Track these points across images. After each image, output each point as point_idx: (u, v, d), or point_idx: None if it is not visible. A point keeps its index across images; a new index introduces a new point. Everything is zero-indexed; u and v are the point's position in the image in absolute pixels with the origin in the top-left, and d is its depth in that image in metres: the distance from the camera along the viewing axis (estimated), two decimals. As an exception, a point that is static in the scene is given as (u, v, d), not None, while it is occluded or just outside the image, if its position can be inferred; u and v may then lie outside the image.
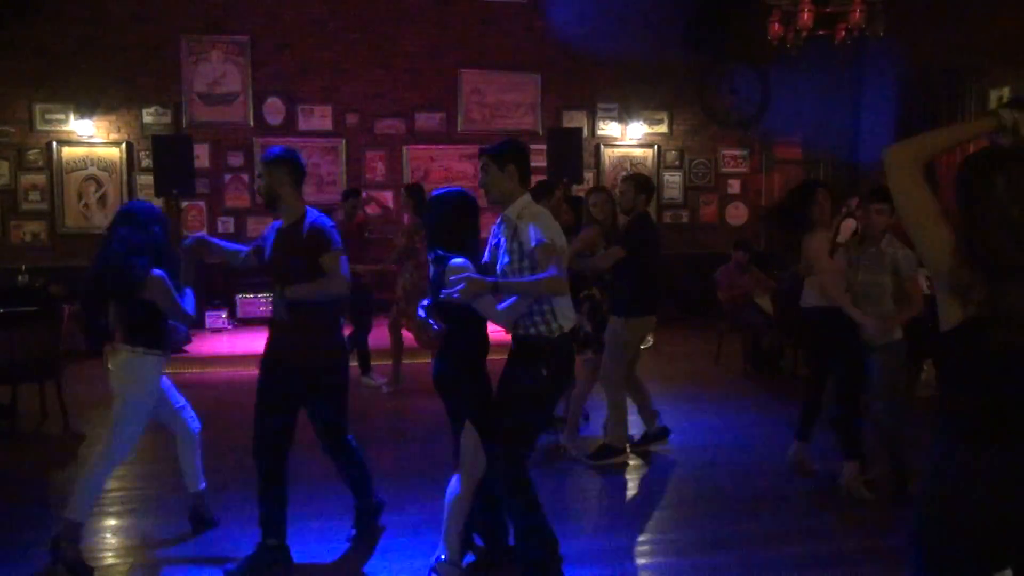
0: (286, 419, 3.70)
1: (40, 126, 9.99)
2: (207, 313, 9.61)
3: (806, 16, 7.33)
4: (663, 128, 11.62)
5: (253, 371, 3.96)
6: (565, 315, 3.40)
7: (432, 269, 3.42)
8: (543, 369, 3.32)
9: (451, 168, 10.85)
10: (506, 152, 3.43)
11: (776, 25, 7.59)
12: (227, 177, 10.48)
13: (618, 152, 11.51)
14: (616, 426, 5.20)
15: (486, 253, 3.56)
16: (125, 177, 10.23)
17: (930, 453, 2.02)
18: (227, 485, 4.60)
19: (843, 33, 7.61)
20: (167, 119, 10.29)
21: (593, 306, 5.09)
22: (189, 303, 3.89)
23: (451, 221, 3.45)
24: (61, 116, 10.01)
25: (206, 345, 8.89)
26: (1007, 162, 1.97)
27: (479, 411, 3.43)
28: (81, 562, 3.65)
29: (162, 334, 3.90)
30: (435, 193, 3.58)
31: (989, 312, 1.88)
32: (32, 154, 10.00)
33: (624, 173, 10.72)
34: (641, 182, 5.36)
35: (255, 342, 7.79)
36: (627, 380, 5.28)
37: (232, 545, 3.90)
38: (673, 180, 11.57)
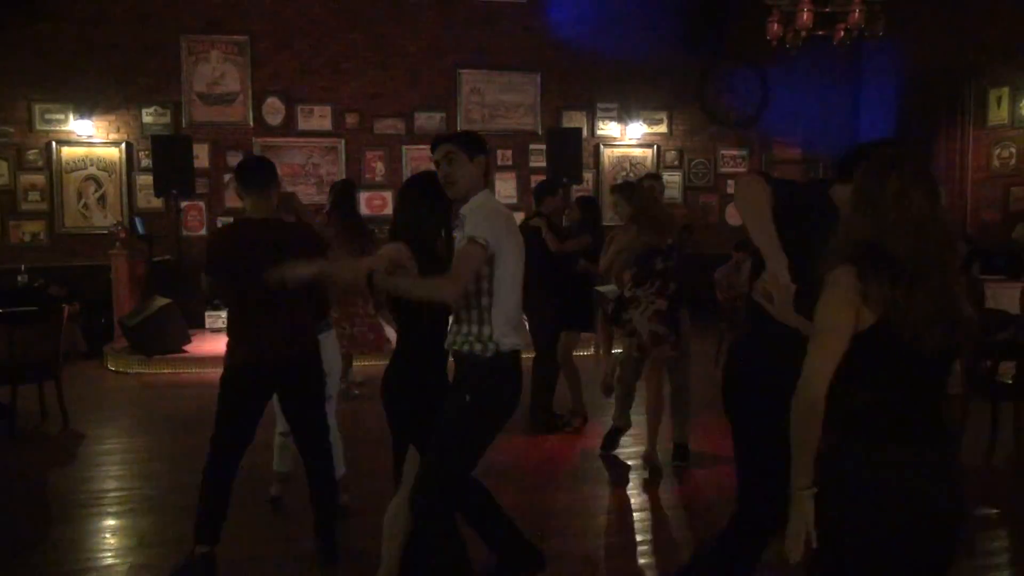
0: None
1: (40, 126, 9.99)
2: (207, 313, 9.60)
3: (806, 16, 7.34)
4: (662, 128, 11.62)
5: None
6: (505, 334, 2.94)
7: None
8: (466, 395, 2.94)
9: (451, 168, 10.86)
10: (476, 141, 3.08)
11: (776, 25, 7.60)
12: (227, 177, 10.46)
13: (618, 152, 11.51)
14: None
15: None
16: (124, 177, 10.23)
17: (837, 456, 2.00)
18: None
19: (843, 33, 7.63)
20: (166, 119, 10.30)
21: (658, 312, 4.96)
22: None
23: (414, 206, 3.15)
24: (61, 116, 10.01)
25: (206, 345, 8.88)
26: (901, 162, 2.00)
27: (414, 423, 3.12)
28: None
29: None
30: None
31: (899, 316, 1.91)
32: (32, 154, 10.00)
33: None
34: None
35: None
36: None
37: (231, 545, 3.89)
38: (673, 180, 11.56)
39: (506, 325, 2.94)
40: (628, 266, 5.07)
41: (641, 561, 3.92)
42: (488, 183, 3.10)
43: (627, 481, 4.99)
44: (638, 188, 5.27)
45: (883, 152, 2.08)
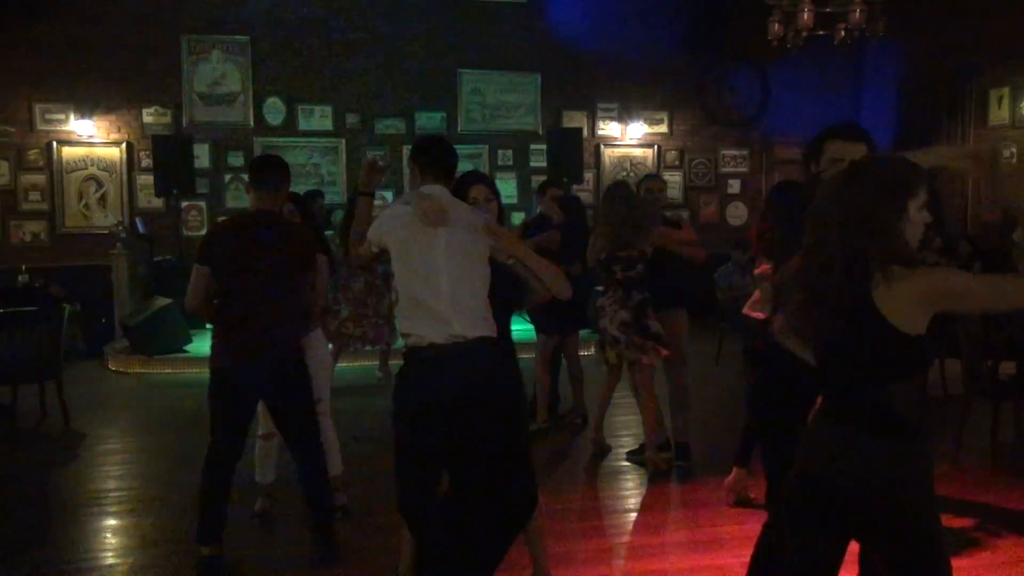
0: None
1: (40, 126, 9.99)
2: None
3: (806, 16, 7.35)
4: (663, 128, 11.62)
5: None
6: (412, 328, 2.89)
7: None
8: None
9: (451, 168, 10.85)
10: (411, 152, 3.19)
11: (776, 25, 7.61)
12: (227, 177, 10.47)
13: (618, 152, 11.50)
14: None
15: None
16: (125, 177, 10.23)
17: None
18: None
19: (843, 33, 7.63)
20: (167, 119, 10.29)
21: (623, 323, 4.83)
22: None
23: None
24: (61, 116, 10.01)
25: (206, 345, 8.87)
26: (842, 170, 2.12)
27: None
28: None
29: None
30: None
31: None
32: (32, 154, 10.00)
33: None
34: None
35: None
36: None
37: (231, 545, 3.89)
38: (673, 180, 11.55)
39: (413, 318, 2.88)
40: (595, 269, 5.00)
41: (646, 562, 3.92)
42: (419, 182, 3.03)
43: (629, 482, 4.99)
44: (616, 191, 4.95)
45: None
